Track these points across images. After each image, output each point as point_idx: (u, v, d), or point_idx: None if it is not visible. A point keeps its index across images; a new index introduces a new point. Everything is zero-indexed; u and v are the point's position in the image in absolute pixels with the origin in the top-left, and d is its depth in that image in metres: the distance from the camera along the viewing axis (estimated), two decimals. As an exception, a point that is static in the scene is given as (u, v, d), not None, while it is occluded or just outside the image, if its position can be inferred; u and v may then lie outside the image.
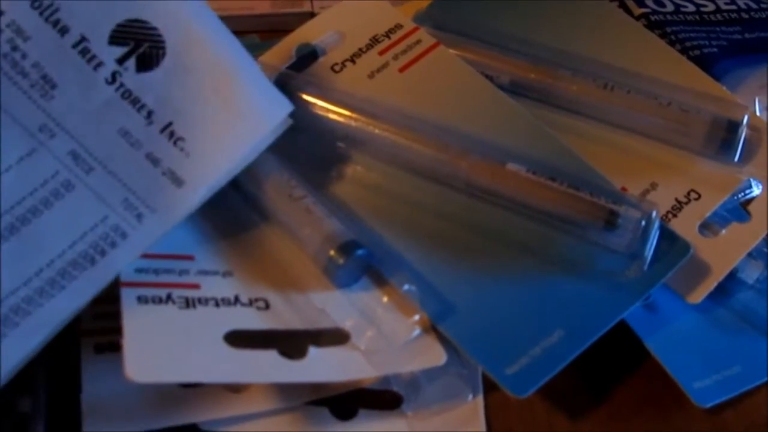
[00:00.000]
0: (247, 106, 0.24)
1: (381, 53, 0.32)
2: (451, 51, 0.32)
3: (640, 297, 0.27)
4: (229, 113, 0.23)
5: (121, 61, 0.22)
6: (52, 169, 0.22)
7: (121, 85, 0.22)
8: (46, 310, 0.22)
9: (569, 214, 0.27)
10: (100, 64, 0.22)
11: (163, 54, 0.23)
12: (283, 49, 0.32)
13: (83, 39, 0.22)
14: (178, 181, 0.23)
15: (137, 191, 0.22)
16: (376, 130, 0.29)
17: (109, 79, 0.22)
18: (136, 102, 0.23)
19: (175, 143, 0.23)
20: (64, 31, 0.22)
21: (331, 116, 0.30)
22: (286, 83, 0.30)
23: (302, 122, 0.30)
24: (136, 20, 0.23)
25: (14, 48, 0.22)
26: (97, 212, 0.22)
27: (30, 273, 0.22)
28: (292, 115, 0.29)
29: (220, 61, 0.23)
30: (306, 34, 0.33)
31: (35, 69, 0.22)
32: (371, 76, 0.31)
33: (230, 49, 0.24)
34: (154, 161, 0.23)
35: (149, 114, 0.23)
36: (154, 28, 0.23)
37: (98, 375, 0.24)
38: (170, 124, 0.23)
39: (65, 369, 0.25)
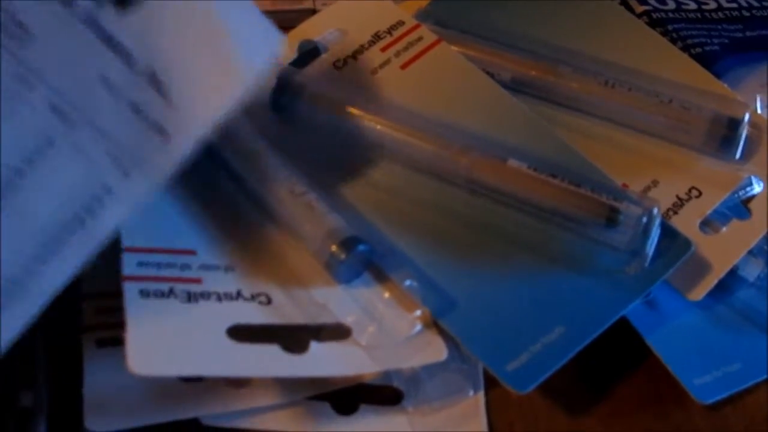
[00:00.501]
0: (234, 46, 0.21)
1: (383, 50, 0.32)
2: (452, 48, 0.32)
3: (641, 294, 0.27)
4: (215, 56, 0.21)
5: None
6: (34, 126, 0.20)
7: (98, 26, 0.20)
8: (42, 277, 0.21)
9: (570, 210, 0.27)
10: (74, 2, 0.20)
11: None
12: (285, 46, 0.33)
13: None
14: (164, 134, 0.21)
15: (122, 145, 0.21)
16: (378, 127, 0.29)
17: (86, 19, 0.20)
18: (115, 45, 0.20)
19: (158, 90, 0.21)
20: None
21: (334, 112, 0.30)
22: (288, 80, 0.30)
23: (305, 119, 0.30)
24: None
25: None
26: (83, 169, 0.21)
27: (22, 239, 0.20)
28: (293, 110, 0.30)
29: None
30: (307, 30, 0.33)
31: (7, 14, 0.20)
32: (373, 72, 0.31)
33: None
34: (137, 111, 0.21)
35: (129, 57, 0.20)
36: None
37: (100, 370, 0.24)
38: (152, 68, 0.21)
39: (67, 363, 0.25)
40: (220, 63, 0.21)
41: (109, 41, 0.20)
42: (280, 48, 0.22)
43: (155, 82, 0.21)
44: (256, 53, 0.22)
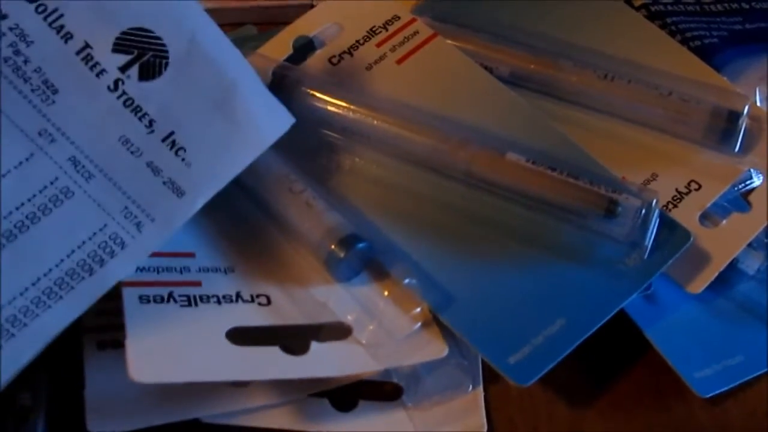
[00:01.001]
0: (248, 118, 0.24)
1: (378, 45, 0.31)
2: (448, 42, 0.32)
3: (641, 285, 0.27)
4: (231, 125, 0.23)
5: (123, 69, 0.22)
6: (52, 175, 0.21)
7: (124, 93, 0.22)
8: (43, 321, 0.22)
9: (569, 203, 0.27)
10: (102, 72, 0.22)
11: (166, 64, 0.23)
12: (281, 41, 0.32)
13: (87, 46, 0.22)
14: (178, 191, 0.23)
15: (137, 200, 0.23)
16: (375, 122, 0.29)
17: (112, 87, 0.22)
18: (137, 110, 0.23)
19: (176, 153, 0.23)
20: (68, 37, 0.22)
21: (330, 108, 0.29)
22: (284, 75, 0.30)
23: (301, 115, 0.30)
24: (140, 29, 0.23)
25: (16, 52, 0.21)
26: (97, 220, 0.22)
27: (27, 282, 0.21)
28: (288, 106, 0.29)
29: (222, 73, 0.24)
30: (304, 26, 0.33)
31: (37, 74, 0.22)
32: (369, 68, 0.31)
33: (232, 60, 0.24)
34: (155, 170, 0.23)
35: (151, 123, 0.23)
36: (158, 38, 0.23)
37: (101, 372, 0.24)
38: (172, 133, 0.23)
39: (67, 364, 0.25)
40: (235, 132, 0.23)
41: (133, 107, 0.22)
42: (289, 125, 0.25)
43: (174, 145, 0.23)
44: (269, 126, 0.24)
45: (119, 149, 0.22)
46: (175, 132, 0.23)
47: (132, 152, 0.22)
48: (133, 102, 0.22)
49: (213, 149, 0.23)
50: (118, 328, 0.23)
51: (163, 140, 0.23)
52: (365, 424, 0.26)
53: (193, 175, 0.23)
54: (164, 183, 0.23)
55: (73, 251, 0.22)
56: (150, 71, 0.23)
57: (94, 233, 0.22)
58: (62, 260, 0.22)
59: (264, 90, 0.25)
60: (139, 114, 0.23)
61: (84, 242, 0.22)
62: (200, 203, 0.23)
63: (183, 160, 0.23)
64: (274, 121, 0.25)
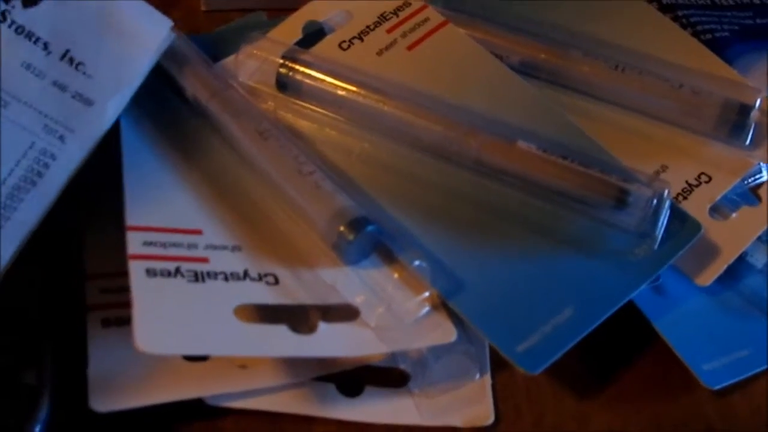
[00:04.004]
0: (131, 25, 0.26)
1: (389, 31, 0.31)
2: (459, 29, 0.32)
3: (650, 276, 0.26)
4: (118, 34, 0.26)
5: (7, 0, 0.25)
6: None
7: (13, 21, 0.25)
8: (3, 231, 0.24)
9: (579, 192, 0.27)
10: None
11: None
12: (291, 26, 0.32)
13: None
14: (87, 101, 0.25)
15: (53, 116, 0.25)
16: (385, 108, 0.29)
17: (0, 19, 0.25)
18: (30, 36, 0.25)
19: (76, 68, 0.25)
20: None
21: (340, 93, 0.29)
22: (294, 59, 0.30)
23: (309, 99, 0.30)
24: None
25: None
26: (24, 140, 0.25)
27: None
28: (298, 90, 0.29)
29: None
30: (313, 11, 0.32)
31: None
32: (379, 53, 0.31)
33: None
34: (61, 87, 0.25)
35: (46, 45, 0.25)
36: None
37: (105, 349, 0.24)
38: (68, 51, 0.25)
39: (71, 342, 0.25)
40: (123, 40, 0.26)
41: (25, 33, 0.25)
42: (168, 27, 0.27)
43: (72, 61, 0.26)
44: (151, 31, 0.27)
45: (25, 74, 0.25)
46: (71, 49, 0.25)
47: (36, 75, 0.25)
48: (24, 29, 0.25)
49: (108, 59, 0.26)
50: (123, 305, 0.23)
51: (61, 59, 0.25)
52: (371, 409, 0.25)
53: (96, 86, 0.26)
54: (73, 97, 0.25)
55: (12, 169, 0.25)
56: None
57: (26, 152, 0.25)
58: (6, 178, 0.24)
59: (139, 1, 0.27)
60: (33, 39, 0.25)
61: (19, 160, 0.25)
62: (111, 110, 0.26)
63: (84, 73, 0.25)
64: (155, 25, 0.27)
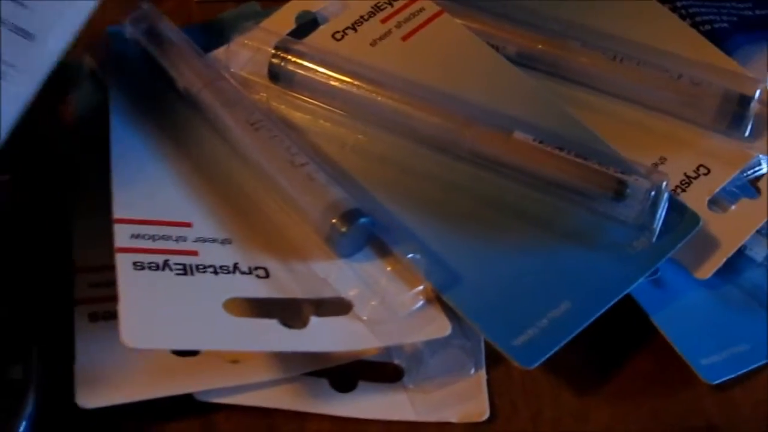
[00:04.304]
0: None
1: (383, 21, 0.31)
2: (455, 19, 0.31)
3: (649, 269, 0.26)
4: None
5: None
6: None
7: None
8: None
9: (577, 184, 0.26)
10: None
11: None
12: (284, 16, 0.32)
13: None
14: (27, 35, 0.24)
15: None
16: (379, 98, 0.28)
17: None
18: None
19: (15, 0, 0.24)
20: None
21: (333, 83, 0.29)
22: (287, 50, 0.29)
23: (302, 90, 0.30)
24: None
25: None
26: None
27: None
28: (291, 81, 0.29)
29: None
30: (307, 1, 0.32)
31: None
32: (373, 44, 0.30)
33: None
34: (1, 22, 0.24)
35: None
36: None
37: (92, 344, 0.24)
38: None
39: (58, 337, 0.24)
40: None
41: None
42: None
43: None
44: None
45: None
46: None
47: None
48: None
49: None
50: (110, 299, 0.23)
51: None
52: (365, 405, 0.25)
53: (36, 17, 0.24)
54: (11, 30, 0.24)
55: None
56: None
57: None
58: None
59: None
60: None
61: None
62: (53, 44, 0.24)
63: (21, 4, 0.24)
64: None
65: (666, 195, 0.27)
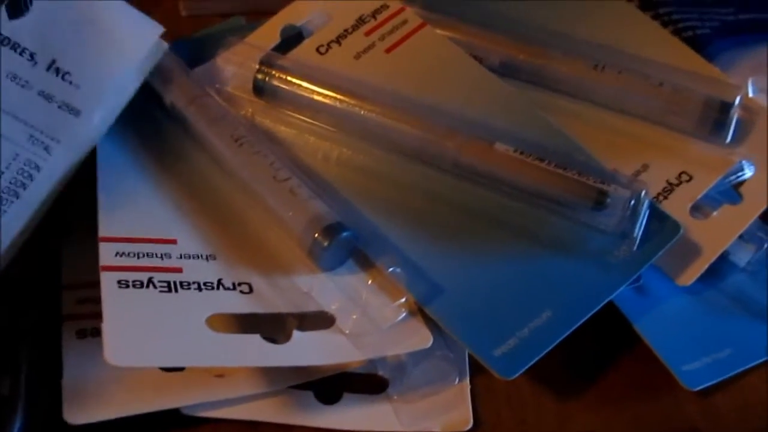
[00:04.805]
0: (118, 31, 0.26)
1: (367, 34, 0.31)
2: (437, 31, 0.31)
3: (630, 277, 0.26)
4: (104, 42, 0.26)
5: None
6: None
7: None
8: None
9: (558, 193, 0.27)
10: None
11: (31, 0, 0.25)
12: (269, 30, 0.32)
13: None
14: (74, 111, 0.25)
15: (39, 127, 0.25)
16: (363, 111, 0.29)
17: None
18: (16, 47, 0.25)
19: (62, 78, 0.25)
20: None
21: (317, 98, 0.29)
22: (271, 65, 0.30)
23: (286, 104, 0.30)
24: None
25: None
26: (9, 152, 0.25)
27: None
28: (276, 95, 0.29)
29: None
30: (292, 14, 0.32)
31: None
32: (357, 57, 0.31)
33: None
34: (48, 97, 0.25)
35: (32, 56, 0.25)
36: None
37: (80, 360, 0.24)
38: (54, 61, 0.25)
39: (46, 352, 0.25)
40: (110, 47, 0.26)
41: (11, 45, 0.25)
42: (158, 34, 0.27)
43: (59, 72, 0.25)
44: (140, 37, 0.27)
45: (10, 85, 0.25)
46: (57, 59, 0.25)
47: (22, 86, 0.25)
48: (9, 40, 0.25)
49: (95, 67, 0.26)
50: (98, 316, 0.23)
51: (48, 69, 0.25)
52: (350, 416, 0.25)
53: (83, 94, 0.26)
54: (59, 107, 0.25)
55: None
56: (17, 8, 0.25)
57: (10, 163, 0.25)
58: None
59: (124, 4, 0.27)
60: (19, 50, 0.25)
61: (2, 172, 0.25)
62: (98, 120, 0.26)
63: (71, 83, 0.25)
64: (143, 30, 0.27)
65: (646, 204, 0.27)
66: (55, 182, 0.25)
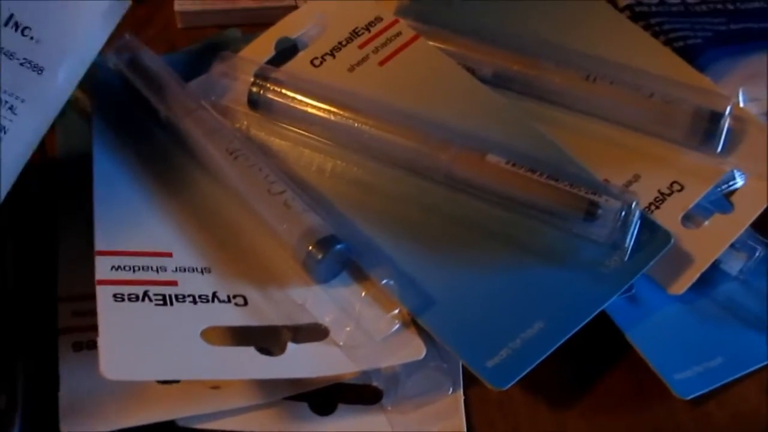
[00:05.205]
0: None
1: (361, 46, 0.31)
2: (430, 43, 0.32)
3: (621, 287, 0.27)
4: None
5: None
6: None
7: None
8: None
9: (549, 205, 0.27)
10: None
11: None
12: (264, 43, 0.32)
13: None
14: (38, 68, 0.24)
15: (2, 86, 0.24)
16: (356, 124, 0.29)
17: None
18: None
19: (22, 33, 0.24)
20: None
21: (311, 111, 0.29)
22: (265, 78, 0.30)
23: (281, 116, 0.30)
24: None
25: None
26: None
27: None
28: (270, 107, 0.30)
29: None
30: (286, 27, 0.33)
31: None
32: (351, 69, 0.31)
33: None
34: (9, 54, 0.24)
35: None
36: None
37: (76, 373, 0.24)
38: (11, 16, 0.24)
39: (43, 365, 0.25)
40: (69, 6, 0.25)
41: None
42: None
43: (18, 26, 0.24)
44: None
45: None
46: (15, 14, 0.24)
47: None
48: None
49: (56, 21, 0.24)
50: (94, 328, 0.23)
51: (6, 24, 0.24)
52: (344, 427, 0.25)
53: (45, 51, 0.24)
54: (21, 64, 0.24)
55: None
56: None
57: None
58: None
59: None
60: None
61: None
62: (63, 76, 0.25)
63: (31, 38, 0.24)
64: None
65: (637, 214, 0.27)
66: (24, 145, 0.24)
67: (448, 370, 0.26)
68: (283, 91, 0.30)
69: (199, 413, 0.24)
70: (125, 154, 0.28)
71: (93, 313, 0.24)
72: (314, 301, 0.25)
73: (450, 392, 0.26)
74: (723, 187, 0.30)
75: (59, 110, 0.25)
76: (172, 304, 0.24)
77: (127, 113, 0.30)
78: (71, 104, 0.32)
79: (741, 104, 0.32)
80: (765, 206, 0.30)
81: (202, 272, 0.25)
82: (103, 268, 0.24)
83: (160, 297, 0.24)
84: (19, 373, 0.24)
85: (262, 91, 0.30)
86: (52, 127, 0.32)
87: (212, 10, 0.39)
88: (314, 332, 0.25)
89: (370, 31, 0.32)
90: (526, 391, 0.27)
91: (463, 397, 0.26)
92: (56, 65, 0.24)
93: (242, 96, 0.30)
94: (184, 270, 0.25)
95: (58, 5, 0.25)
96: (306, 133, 0.30)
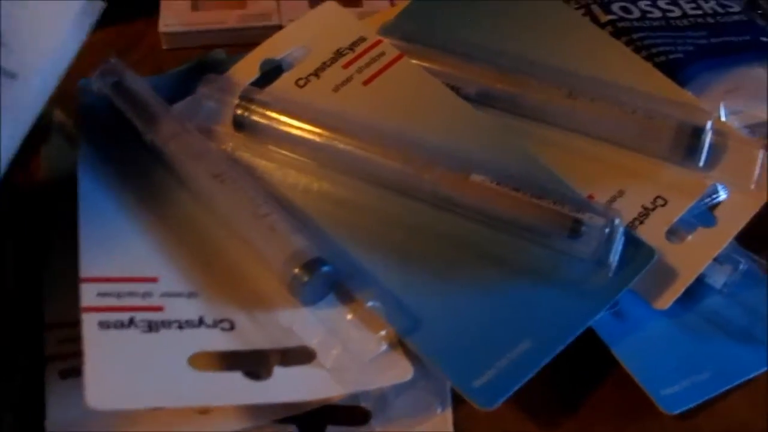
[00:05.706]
0: None
1: (345, 66, 0.32)
2: (414, 62, 0.32)
3: (607, 304, 0.27)
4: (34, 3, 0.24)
5: None
6: None
7: None
8: None
9: (534, 223, 0.27)
10: None
11: None
12: (249, 64, 0.32)
13: None
14: (10, 74, 0.23)
15: None
16: (342, 145, 0.29)
17: None
18: None
19: None
20: None
21: (296, 132, 0.30)
22: (250, 99, 0.30)
23: (266, 138, 0.30)
24: None
25: None
26: None
27: None
28: (255, 129, 0.30)
29: None
30: (271, 48, 0.33)
31: None
32: (336, 89, 0.31)
33: None
34: None
35: None
36: None
37: (63, 401, 0.24)
38: None
39: (30, 394, 0.25)
40: (43, 5, 0.24)
41: None
42: None
43: None
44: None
45: None
46: None
47: None
48: None
49: (27, 25, 0.24)
50: (81, 355, 0.23)
51: None
52: (334, 449, 0.26)
53: (17, 55, 0.24)
54: None
55: None
56: None
57: None
58: None
59: None
60: None
61: None
62: (38, 81, 0.24)
63: (1, 43, 0.23)
64: None
65: (621, 231, 0.27)
66: (1, 152, 0.23)
67: (436, 389, 0.26)
68: (268, 112, 0.30)
69: (187, 439, 0.24)
70: (111, 179, 0.28)
71: (79, 339, 0.24)
72: (301, 324, 0.25)
73: (439, 412, 0.26)
74: (706, 200, 0.31)
75: (37, 116, 0.24)
76: (158, 330, 0.24)
77: (113, 137, 0.30)
78: (57, 129, 0.32)
79: (722, 118, 0.33)
80: (748, 219, 0.30)
81: (188, 297, 0.25)
82: (88, 295, 0.24)
83: (146, 323, 0.24)
84: (7, 401, 0.24)
85: (247, 113, 0.30)
86: (38, 152, 0.32)
87: (197, 31, 0.39)
88: (301, 355, 0.25)
89: (354, 51, 0.32)
90: (514, 408, 0.27)
91: (451, 416, 0.26)
92: (30, 71, 0.24)
93: (227, 118, 0.30)
94: (170, 295, 0.25)
95: (28, 9, 0.24)
96: (291, 154, 0.30)
